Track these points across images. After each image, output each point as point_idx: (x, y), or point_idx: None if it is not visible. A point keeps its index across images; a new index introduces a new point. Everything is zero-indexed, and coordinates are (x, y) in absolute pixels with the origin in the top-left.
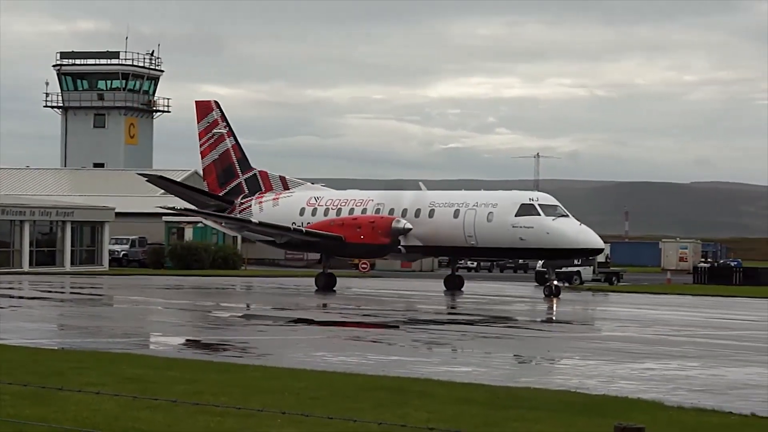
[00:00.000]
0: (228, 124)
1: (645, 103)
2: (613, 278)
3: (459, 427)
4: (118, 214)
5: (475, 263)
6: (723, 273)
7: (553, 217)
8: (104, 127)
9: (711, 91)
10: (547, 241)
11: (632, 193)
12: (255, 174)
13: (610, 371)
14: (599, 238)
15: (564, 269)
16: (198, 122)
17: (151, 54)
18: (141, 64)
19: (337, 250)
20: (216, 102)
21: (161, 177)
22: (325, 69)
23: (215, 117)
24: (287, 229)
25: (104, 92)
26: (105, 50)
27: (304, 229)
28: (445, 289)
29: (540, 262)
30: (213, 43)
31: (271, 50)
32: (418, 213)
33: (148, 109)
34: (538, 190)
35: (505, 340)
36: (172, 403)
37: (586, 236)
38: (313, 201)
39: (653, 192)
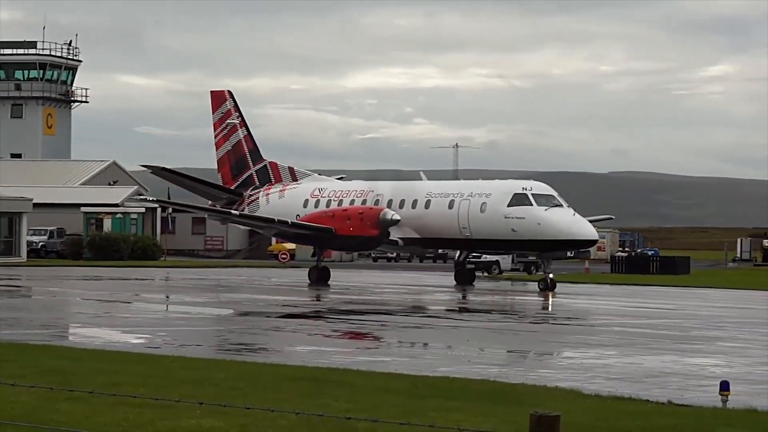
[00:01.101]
0: (241, 114)
1: (562, 93)
2: (532, 267)
3: (378, 416)
4: (36, 205)
5: (395, 253)
6: (640, 262)
7: (546, 207)
8: (21, 117)
9: (628, 81)
10: (538, 232)
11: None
12: (265, 165)
13: (528, 360)
14: (593, 229)
15: (483, 258)
16: (213, 113)
17: (69, 44)
18: (59, 54)
19: (328, 243)
20: (229, 92)
21: (164, 169)
22: (243, 59)
23: (229, 107)
24: (270, 221)
25: (21, 82)
26: (22, 40)
27: (290, 221)
28: (455, 283)
29: (457, 253)
30: (131, 33)
31: (188, 41)
32: (414, 204)
33: (66, 100)
34: (456, 179)
35: (425, 330)
36: (90, 395)
37: (579, 227)
38: (316, 192)
39: (571, 182)
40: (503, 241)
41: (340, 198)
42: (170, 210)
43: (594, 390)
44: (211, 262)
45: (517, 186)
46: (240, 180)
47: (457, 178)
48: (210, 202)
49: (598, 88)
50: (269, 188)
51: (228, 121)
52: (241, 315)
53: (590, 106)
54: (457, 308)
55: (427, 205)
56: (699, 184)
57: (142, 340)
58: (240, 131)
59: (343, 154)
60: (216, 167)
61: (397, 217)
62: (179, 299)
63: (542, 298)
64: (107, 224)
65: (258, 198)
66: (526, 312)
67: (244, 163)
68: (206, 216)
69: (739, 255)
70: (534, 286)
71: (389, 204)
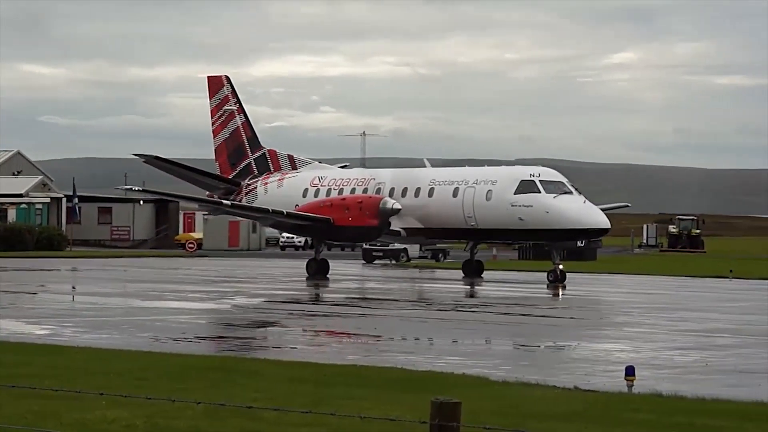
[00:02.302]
0: (238, 100)
1: (469, 81)
2: (440, 255)
3: (284, 405)
4: None
5: (303, 241)
6: (546, 249)
7: (555, 195)
8: None
9: (533, 69)
10: (547, 221)
11: None
12: (264, 153)
13: (436, 347)
14: (605, 217)
15: (390, 246)
16: (210, 99)
17: None
18: None
19: (326, 234)
20: (227, 77)
21: (157, 158)
22: (148, 48)
23: (226, 93)
24: (265, 211)
25: None
26: None
27: (285, 211)
28: (463, 275)
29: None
30: (34, 21)
31: (93, 29)
32: (417, 192)
33: None
34: (365, 167)
35: (332, 318)
36: None
37: (590, 215)
38: (316, 181)
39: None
40: (510, 231)
41: (340, 187)
42: (76, 200)
43: (501, 376)
44: (116, 252)
45: (525, 172)
46: (238, 169)
47: (365, 166)
48: (207, 192)
49: (504, 75)
50: (267, 177)
51: (225, 107)
52: (152, 307)
53: (497, 94)
54: (375, 297)
55: (431, 193)
56: (606, 171)
57: (47, 331)
58: (238, 118)
59: None
60: (213, 156)
61: (398, 206)
62: (86, 290)
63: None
64: (11, 215)
65: (256, 187)
66: (431, 299)
67: (242, 152)
68: (199, 206)
69: (645, 241)
70: (443, 273)
71: (391, 192)
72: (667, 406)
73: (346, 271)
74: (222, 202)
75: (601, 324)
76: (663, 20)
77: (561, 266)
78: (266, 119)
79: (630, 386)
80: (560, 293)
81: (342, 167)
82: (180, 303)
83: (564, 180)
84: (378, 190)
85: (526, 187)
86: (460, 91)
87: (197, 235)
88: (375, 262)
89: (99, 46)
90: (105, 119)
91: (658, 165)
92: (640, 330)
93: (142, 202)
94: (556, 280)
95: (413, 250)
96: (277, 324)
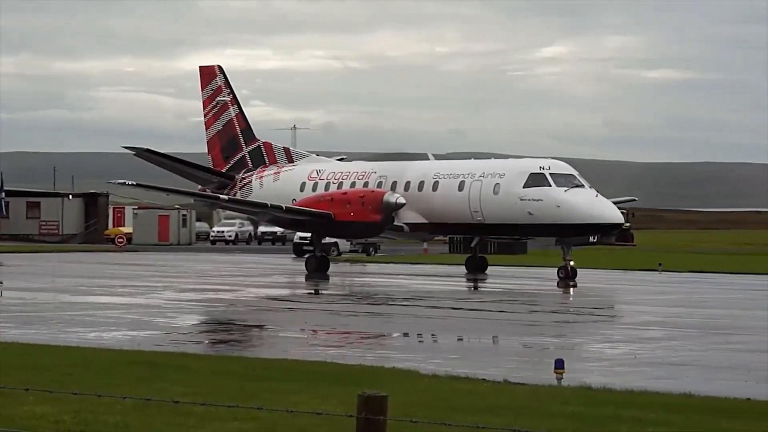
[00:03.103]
0: (232, 91)
1: (399, 74)
2: (371, 249)
3: (215, 400)
4: None
5: (233, 236)
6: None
7: (566, 188)
8: None
9: (464, 62)
10: (557, 215)
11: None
12: (259, 146)
13: (368, 341)
14: (618, 212)
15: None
16: (202, 89)
17: None
18: None
19: (327, 229)
20: (219, 66)
21: (149, 150)
22: (75, 41)
23: (219, 83)
24: (263, 206)
25: None
26: None
27: (284, 206)
28: (466, 272)
29: (298, 235)
30: None
31: (17, 21)
32: (421, 186)
33: None
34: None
35: (263, 312)
36: None
37: (602, 210)
38: (314, 175)
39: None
40: (519, 226)
41: (340, 180)
42: (3, 194)
43: (431, 370)
44: (43, 246)
45: (534, 165)
46: (232, 162)
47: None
48: (200, 186)
49: (434, 69)
50: (263, 171)
51: (218, 98)
52: (77, 302)
53: (427, 88)
54: (309, 292)
55: (435, 186)
56: None
57: None
58: (231, 109)
59: (179, 137)
60: (206, 149)
61: (402, 200)
62: (13, 285)
63: (376, 278)
64: None
65: (251, 181)
66: (362, 293)
67: (235, 144)
68: (192, 201)
69: None
70: (374, 267)
71: (393, 186)
72: (595, 399)
73: (285, 266)
74: (219, 197)
75: (531, 318)
76: (593, 14)
77: (572, 262)
78: (195, 113)
79: (559, 379)
80: (476, 286)
81: (339, 160)
82: (108, 298)
83: (575, 173)
84: (379, 184)
85: (536, 180)
86: (391, 84)
87: (127, 229)
88: (306, 256)
89: (24, 39)
90: (29, 113)
91: (588, 158)
92: (569, 323)
93: (71, 196)
94: (567, 277)
95: (344, 244)
96: (210, 319)
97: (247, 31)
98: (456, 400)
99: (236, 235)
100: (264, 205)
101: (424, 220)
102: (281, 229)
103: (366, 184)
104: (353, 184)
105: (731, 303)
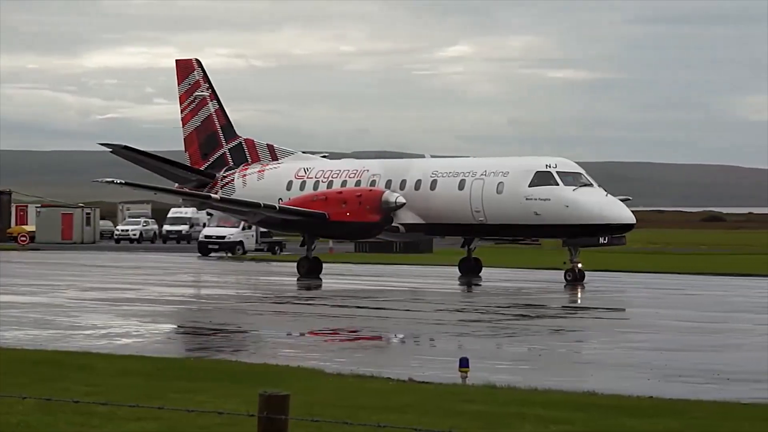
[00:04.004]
0: (211, 86)
1: (303, 73)
2: (276, 248)
3: (118, 399)
4: None
5: (137, 234)
6: (384, 241)
7: (574, 187)
8: None
9: (369, 61)
10: (566, 215)
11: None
12: (240, 143)
13: (273, 340)
14: (630, 212)
15: (227, 239)
16: (178, 84)
17: None
18: None
19: (320, 230)
20: (197, 60)
21: (126, 147)
22: None
23: (197, 78)
24: (256, 205)
25: None
26: None
27: (278, 205)
28: (460, 274)
29: (203, 232)
30: None
31: None
32: (418, 185)
33: None
34: None
35: (169, 312)
36: None
37: (613, 210)
38: (302, 173)
39: None
40: (524, 226)
41: (330, 179)
42: None
43: (336, 369)
44: None
45: (540, 163)
46: (211, 160)
47: None
48: (176, 184)
49: (339, 68)
50: (245, 169)
51: (196, 93)
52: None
53: (332, 86)
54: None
55: (433, 185)
56: None
57: None
58: (210, 105)
59: (81, 134)
60: (183, 146)
61: (402, 199)
62: None
63: (282, 278)
64: None
65: (233, 180)
66: (268, 293)
67: (215, 141)
68: (181, 200)
69: None
70: (279, 267)
71: (387, 185)
72: (500, 397)
73: (189, 264)
74: (210, 196)
75: (437, 316)
76: (497, 14)
77: (580, 264)
78: (99, 111)
79: (464, 378)
80: (384, 285)
81: (323, 157)
82: (10, 297)
83: (582, 171)
84: (372, 183)
85: (542, 178)
86: (296, 83)
87: (30, 227)
88: (211, 254)
89: None
90: None
91: (493, 157)
92: (475, 322)
93: None
94: (575, 280)
95: (249, 242)
96: (114, 317)
97: (150, 28)
98: (361, 399)
99: (141, 233)
100: (257, 205)
101: (421, 221)
102: (186, 228)
103: (358, 183)
104: (344, 183)
105: (638, 302)
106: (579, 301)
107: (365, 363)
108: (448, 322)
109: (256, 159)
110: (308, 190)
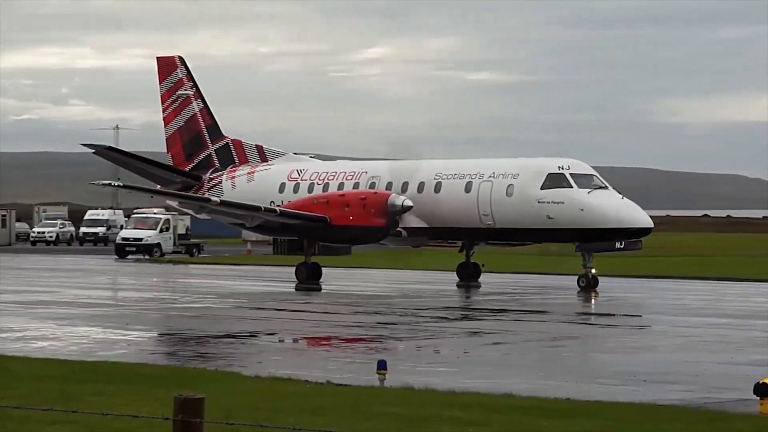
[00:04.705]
0: (195, 84)
1: (222, 74)
2: (194, 250)
3: (32, 402)
4: None
5: (54, 236)
6: (302, 243)
7: (589, 190)
8: None
9: (287, 63)
10: (581, 219)
11: None
12: (227, 143)
13: (187, 343)
14: (646, 215)
15: (144, 241)
16: (160, 82)
17: None
18: None
19: (321, 234)
20: (181, 57)
21: (110, 148)
22: None
23: (180, 76)
24: (257, 209)
25: None
26: None
27: (278, 209)
28: (458, 280)
29: (120, 234)
30: None
31: None
32: (421, 187)
33: None
34: None
35: (88, 315)
36: None
37: (629, 213)
38: (295, 175)
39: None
40: (535, 231)
41: (326, 181)
42: None
43: (254, 372)
44: None
45: (552, 165)
46: (195, 161)
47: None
48: (159, 186)
49: (258, 69)
50: (234, 170)
51: (179, 92)
52: None
53: (250, 87)
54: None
55: (438, 188)
56: None
57: None
58: (195, 104)
59: None
60: (165, 147)
61: (409, 202)
62: None
63: (199, 280)
64: None
65: (221, 182)
66: (185, 296)
67: (200, 142)
68: (176, 203)
69: None
70: (196, 269)
71: (388, 188)
72: (417, 399)
73: (108, 267)
74: (210, 199)
75: (354, 319)
76: (414, 16)
77: (593, 270)
78: (14, 112)
79: (382, 380)
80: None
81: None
82: None
83: (595, 173)
84: (372, 185)
85: (555, 181)
86: (214, 84)
87: None
88: (128, 257)
89: None
90: None
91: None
92: (392, 324)
93: None
94: (588, 286)
95: (167, 244)
96: (30, 320)
97: (66, 28)
98: (278, 402)
99: (57, 235)
100: (257, 208)
101: (424, 225)
102: (103, 230)
103: (356, 186)
104: (341, 185)
105: (558, 307)
106: (503, 304)
107: (283, 365)
108: (364, 323)
109: (245, 160)
110: (302, 192)
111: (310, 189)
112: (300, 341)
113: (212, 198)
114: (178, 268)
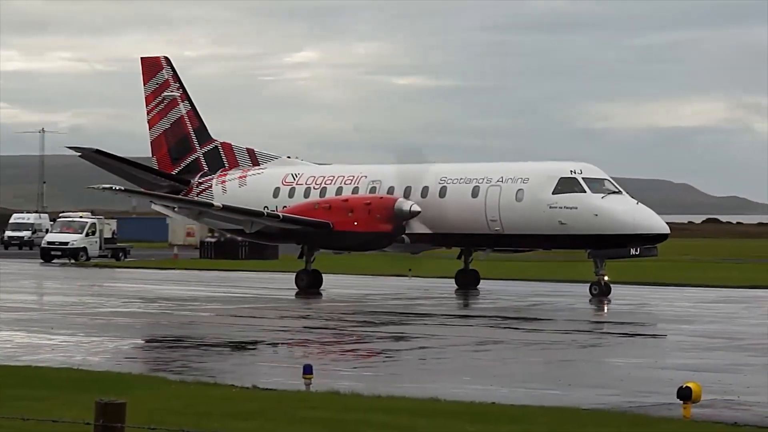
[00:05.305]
0: (182, 85)
1: None
2: (120, 254)
3: None
4: None
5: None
6: (229, 247)
7: (603, 195)
8: None
9: (214, 66)
10: (595, 225)
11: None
12: (216, 147)
13: (114, 347)
14: (662, 221)
15: (70, 245)
16: (144, 84)
17: None
18: None
19: (324, 241)
20: (166, 58)
21: (98, 151)
22: None
23: (166, 77)
24: (259, 214)
25: None
26: None
27: (281, 214)
28: (457, 287)
29: (46, 238)
30: None
31: None
32: (425, 192)
33: None
34: (44, 166)
35: (8, 319)
36: None
37: (645, 219)
38: (290, 179)
39: None
40: (546, 237)
41: (323, 186)
42: None
43: (179, 376)
44: None
45: (564, 168)
46: (182, 165)
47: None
48: (142, 190)
49: (184, 73)
50: (224, 174)
51: (165, 93)
52: None
53: None
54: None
55: (442, 192)
56: None
57: None
58: (181, 106)
59: None
60: (150, 150)
61: (417, 208)
62: None
63: (125, 284)
64: None
65: (211, 186)
66: (110, 299)
67: (187, 145)
68: (175, 208)
69: None
70: (123, 273)
71: (390, 192)
72: (343, 404)
73: (32, 271)
74: (212, 204)
75: (280, 324)
76: (343, 20)
77: (606, 277)
78: None
79: (308, 384)
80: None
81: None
82: None
83: (608, 177)
84: (372, 189)
85: (567, 185)
86: (138, 87)
87: None
88: (54, 261)
89: None
90: None
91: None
92: (320, 329)
93: None
94: (601, 294)
95: (93, 248)
96: None
97: None
98: (204, 406)
99: (7, 240)
100: (260, 214)
101: (428, 230)
102: (29, 234)
103: (356, 190)
104: (340, 190)
105: (480, 307)
106: (429, 310)
107: (209, 370)
108: (292, 328)
109: (235, 164)
110: (298, 197)
111: (306, 194)
112: (227, 345)
113: (215, 203)
114: (104, 272)
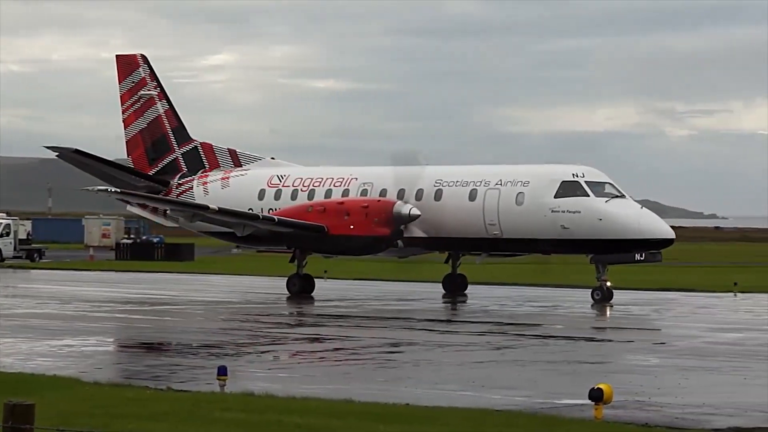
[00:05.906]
0: (159, 84)
1: (63, 79)
2: (35, 255)
3: None
4: None
5: None
6: (145, 249)
7: (606, 199)
8: None
9: None
10: (598, 230)
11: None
12: (196, 147)
13: (27, 348)
14: (667, 226)
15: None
16: (120, 82)
17: None
18: None
19: (318, 244)
20: (143, 56)
21: (77, 151)
22: None
23: (142, 75)
24: (255, 217)
25: None
26: None
27: (276, 217)
28: (444, 292)
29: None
30: None
31: None
32: (419, 195)
33: None
34: None
35: None
36: None
37: (650, 223)
38: (275, 181)
39: (69, 169)
40: (547, 241)
41: (311, 187)
42: None
43: (93, 378)
44: None
45: (565, 172)
46: (160, 165)
47: None
48: (141, 193)
49: (100, 74)
50: (205, 175)
51: (141, 92)
52: None
53: (92, 92)
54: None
55: (438, 195)
56: None
57: None
58: (159, 105)
59: None
60: (126, 150)
61: (416, 211)
62: None
63: (41, 285)
64: None
65: (191, 187)
66: (26, 300)
67: (164, 145)
68: (168, 210)
69: None
70: (38, 274)
71: (382, 195)
72: (258, 405)
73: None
74: (208, 207)
75: (197, 325)
76: (259, 23)
77: (608, 282)
78: None
79: (222, 386)
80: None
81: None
82: None
83: (610, 181)
84: (364, 192)
85: (569, 189)
86: (55, 88)
87: None
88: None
89: None
90: None
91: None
92: (237, 330)
93: None
94: (604, 299)
95: (7, 250)
96: None
97: None
98: (118, 408)
99: None
100: (255, 217)
101: (422, 234)
102: None
103: (346, 193)
104: (329, 192)
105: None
106: (346, 311)
107: (123, 372)
108: (208, 329)
109: (215, 165)
110: (285, 199)
111: (294, 196)
112: (141, 346)
113: (211, 206)
114: (19, 273)
